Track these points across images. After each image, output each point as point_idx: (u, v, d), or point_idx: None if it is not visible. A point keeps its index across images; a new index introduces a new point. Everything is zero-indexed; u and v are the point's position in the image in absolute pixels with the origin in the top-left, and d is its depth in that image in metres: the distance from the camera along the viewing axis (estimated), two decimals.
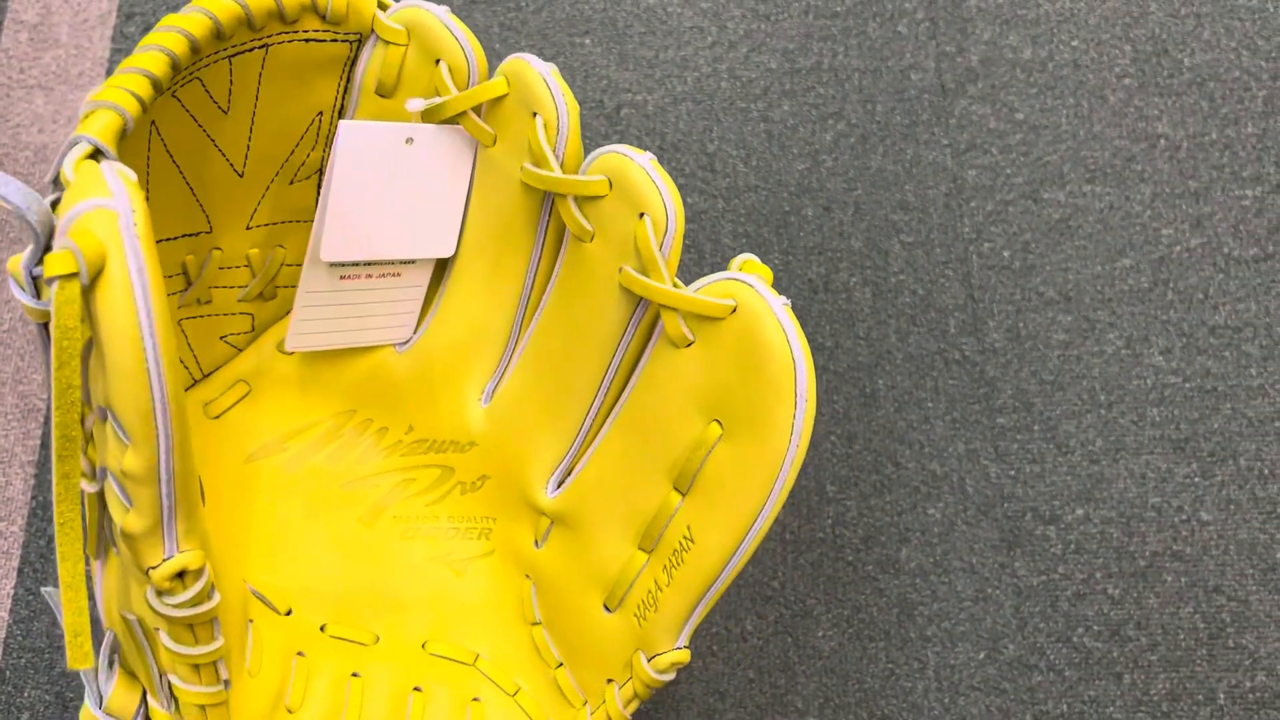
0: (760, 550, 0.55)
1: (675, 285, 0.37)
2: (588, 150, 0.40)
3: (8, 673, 0.52)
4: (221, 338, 0.48)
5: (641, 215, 0.37)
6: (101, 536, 0.34)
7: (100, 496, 0.32)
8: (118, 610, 0.35)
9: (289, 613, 0.44)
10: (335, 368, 0.48)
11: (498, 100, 0.41)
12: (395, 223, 0.44)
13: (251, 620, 0.41)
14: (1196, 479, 0.57)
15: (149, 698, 0.35)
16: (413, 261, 0.46)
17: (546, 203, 0.42)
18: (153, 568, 0.31)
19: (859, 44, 0.67)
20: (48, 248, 0.28)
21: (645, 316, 0.39)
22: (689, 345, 0.37)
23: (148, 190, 0.40)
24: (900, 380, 0.59)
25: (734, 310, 0.36)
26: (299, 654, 0.42)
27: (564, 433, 0.43)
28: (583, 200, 0.39)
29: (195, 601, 0.32)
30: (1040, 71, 0.66)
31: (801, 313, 0.60)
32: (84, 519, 0.32)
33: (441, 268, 0.47)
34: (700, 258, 0.61)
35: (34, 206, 0.27)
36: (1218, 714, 0.53)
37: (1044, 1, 0.68)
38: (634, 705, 0.39)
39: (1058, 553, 0.56)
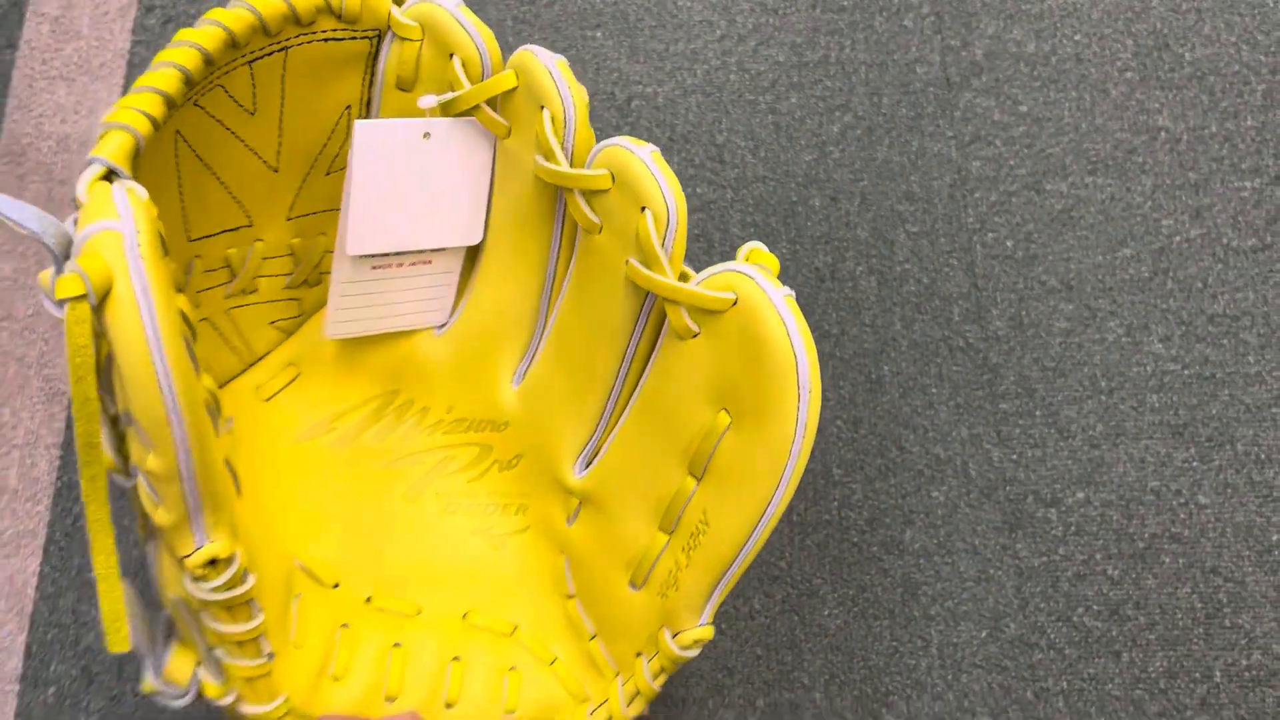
0: None
1: (683, 277, 0.38)
2: (599, 140, 0.41)
3: (34, 648, 0.53)
4: (271, 323, 0.49)
5: (643, 209, 0.37)
6: (148, 524, 0.35)
7: (136, 491, 0.33)
8: (168, 593, 0.36)
9: (336, 586, 0.45)
10: (379, 350, 0.49)
11: (509, 93, 0.41)
12: (419, 214, 0.45)
13: (299, 594, 0.42)
14: (1195, 463, 0.58)
15: (200, 670, 0.37)
16: (443, 248, 0.47)
17: (561, 193, 0.42)
18: (185, 557, 0.33)
19: (866, 38, 0.68)
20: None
21: (655, 308, 0.40)
22: (694, 337, 0.38)
23: (181, 194, 0.41)
24: (905, 366, 0.60)
25: (735, 303, 0.36)
26: (344, 625, 0.43)
27: (588, 416, 0.44)
28: (589, 193, 0.40)
29: (229, 586, 0.34)
30: (1043, 65, 0.67)
31: (808, 301, 0.61)
32: (122, 504, 0.34)
33: (474, 254, 0.48)
34: (709, 246, 0.62)
35: (50, 230, 0.28)
36: (1214, 691, 0.54)
37: None
38: (662, 678, 0.40)
39: (1058, 534, 0.57)
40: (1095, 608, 0.56)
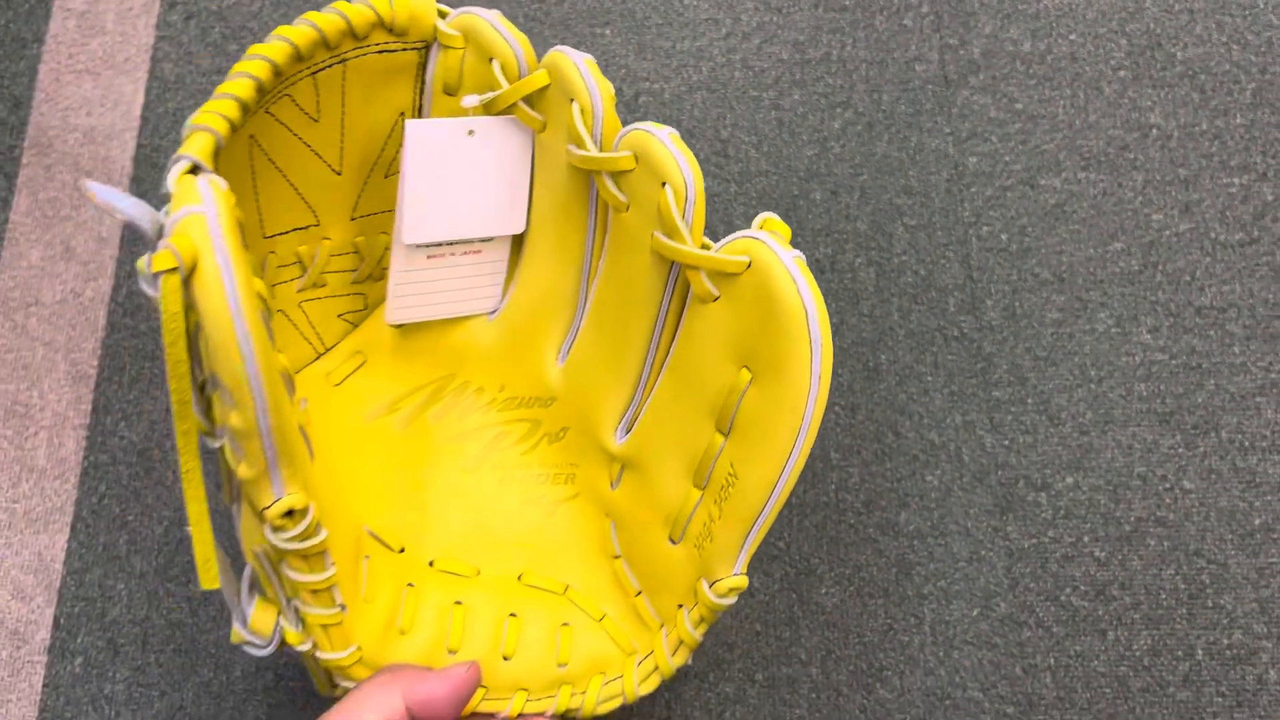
0: None
1: (703, 247, 0.41)
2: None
3: (62, 620, 0.55)
4: (339, 315, 0.52)
5: (664, 185, 0.41)
6: (233, 485, 0.39)
7: (223, 451, 0.37)
8: (250, 547, 0.40)
9: (402, 550, 0.48)
10: (436, 337, 0.53)
11: (542, 90, 0.45)
12: (467, 205, 0.48)
13: (368, 556, 0.45)
14: (1180, 450, 0.60)
15: (281, 620, 0.40)
16: (490, 239, 0.50)
17: (592, 178, 0.46)
18: (265, 508, 0.36)
19: (866, 36, 0.70)
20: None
21: (680, 277, 0.43)
22: (715, 300, 0.41)
23: (256, 193, 0.45)
24: (902, 355, 0.62)
25: (749, 266, 0.39)
26: (409, 585, 0.46)
27: (625, 385, 0.47)
28: (615, 175, 0.43)
29: (304, 536, 0.37)
30: (1039, 64, 0.69)
31: None
32: (211, 466, 0.37)
33: (518, 243, 0.52)
34: (714, 238, 0.64)
35: (145, 217, 0.33)
36: (1196, 669, 0.56)
37: None
38: (703, 627, 0.43)
39: (1048, 518, 0.59)
40: (1082, 588, 0.58)
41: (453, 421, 0.52)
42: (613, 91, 0.43)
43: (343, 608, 0.40)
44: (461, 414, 0.52)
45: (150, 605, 0.56)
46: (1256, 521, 0.59)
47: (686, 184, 0.40)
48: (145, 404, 0.59)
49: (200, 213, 0.32)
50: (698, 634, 0.43)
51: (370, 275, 0.52)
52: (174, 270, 0.31)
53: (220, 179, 0.33)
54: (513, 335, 0.52)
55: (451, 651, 0.45)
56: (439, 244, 0.49)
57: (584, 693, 0.45)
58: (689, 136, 0.67)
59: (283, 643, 0.41)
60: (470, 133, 0.47)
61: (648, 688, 0.45)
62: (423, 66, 0.46)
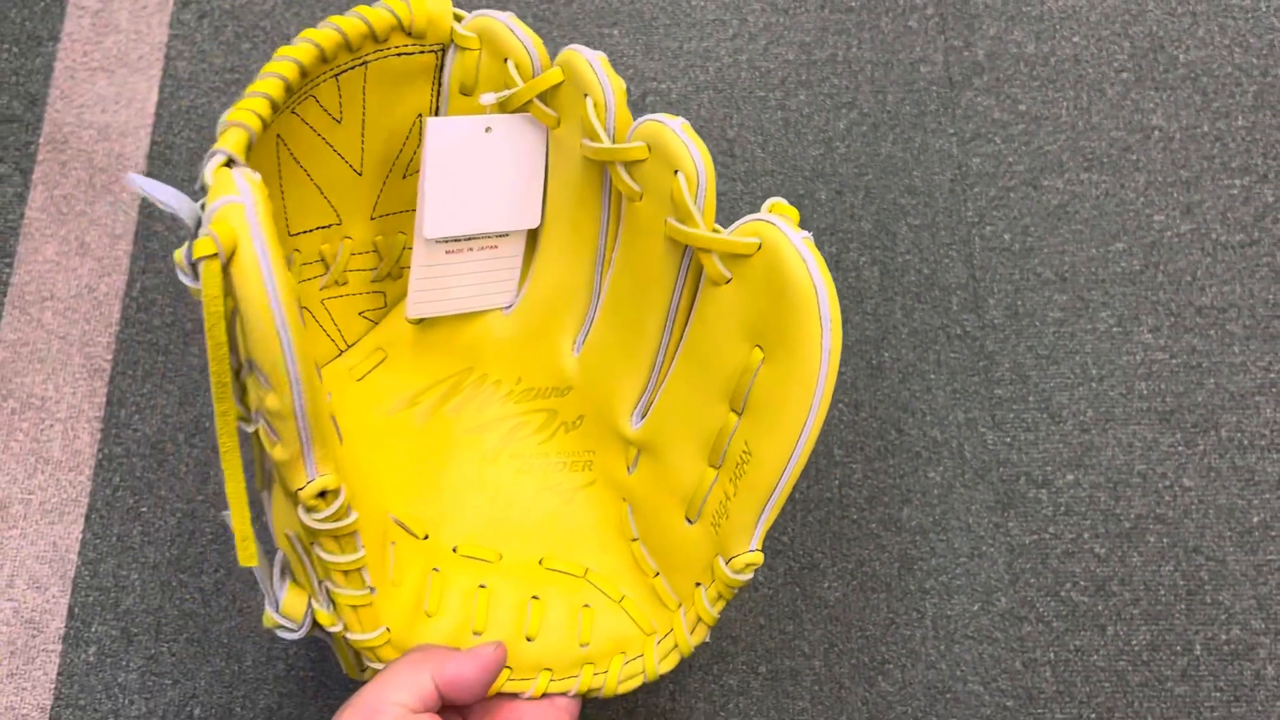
0: None
1: (714, 230, 0.42)
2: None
3: (76, 609, 0.56)
4: (360, 314, 0.54)
5: (676, 172, 0.42)
6: (265, 471, 0.40)
7: (258, 435, 0.38)
8: (282, 531, 0.41)
9: (426, 537, 0.50)
10: (453, 333, 0.54)
11: (556, 87, 0.46)
12: (484, 200, 0.50)
13: (394, 543, 0.47)
14: (1180, 448, 0.61)
15: (313, 602, 0.42)
16: (506, 234, 0.52)
17: (606, 170, 0.47)
18: (300, 489, 0.37)
19: (872, 37, 0.70)
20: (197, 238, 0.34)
21: (692, 262, 0.44)
22: (728, 282, 0.42)
23: (282, 192, 0.46)
24: (905, 353, 0.63)
25: (759, 247, 0.40)
26: (434, 570, 0.47)
27: (641, 371, 0.48)
28: (629, 165, 0.44)
29: (336, 517, 0.38)
30: (1043, 66, 0.70)
31: None
32: (250, 450, 0.39)
33: (533, 238, 0.53)
34: None
35: (185, 207, 0.34)
36: (1194, 664, 0.57)
37: None
38: (720, 605, 0.45)
39: (1049, 514, 0.59)
40: (1082, 584, 0.58)
41: (471, 414, 0.54)
42: (624, 86, 0.45)
43: (372, 590, 0.42)
44: (480, 406, 0.54)
45: (163, 595, 0.57)
46: (1255, 519, 0.60)
47: (698, 171, 0.42)
48: (159, 397, 0.60)
49: (239, 202, 0.33)
50: (715, 611, 0.45)
51: (389, 274, 0.53)
52: (214, 256, 0.32)
53: (255, 173, 0.35)
54: (528, 328, 0.53)
55: (477, 633, 0.46)
56: (457, 239, 0.51)
57: (605, 672, 0.46)
58: None
59: (314, 626, 0.42)
60: (488, 130, 0.48)
61: (667, 666, 0.46)
62: (439, 69, 0.48)
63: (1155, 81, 0.69)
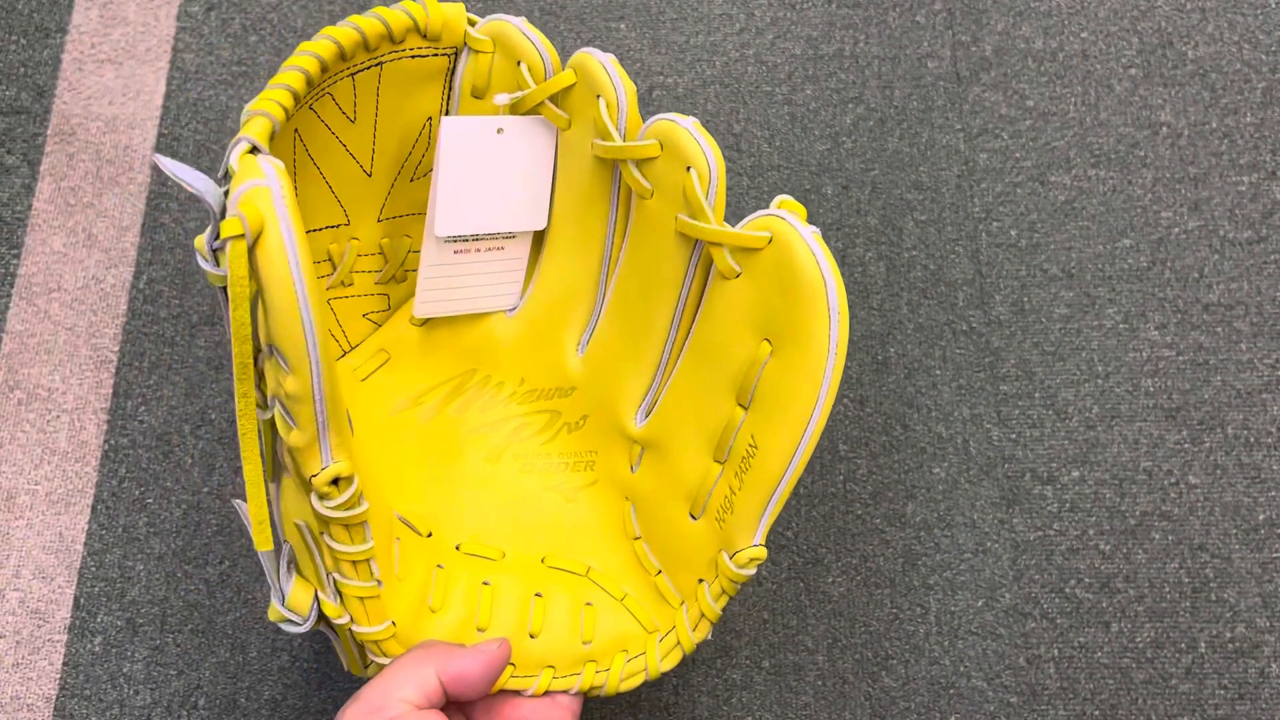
0: None
1: (722, 226, 0.43)
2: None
3: (82, 600, 0.56)
4: (364, 315, 0.54)
5: (688, 169, 0.43)
6: (277, 463, 0.40)
7: (272, 423, 0.38)
8: (292, 521, 0.41)
9: (429, 535, 0.50)
10: (457, 334, 0.55)
11: (568, 89, 0.47)
12: (495, 200, 0.50)
13: (399, 539, 0.47)
14: (1186, 445, 0.61)
15: (319, 594, 0.42)
16: (513, 236, 0.52)
17: (616, 172, 0.48)
18: (314, 475, 0.37)
19: (879, 32, 0.70)
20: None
21: (701, 258, 0.45)
22: (737, 277, 0.43)
23: (296, 187, 0.47)
24: (910, 349, 0.63)
25: (770, 241, 0.41)
26: (439, 566, 0.48)
27: (646, 369, 0.49)
28: (641, 163, 0.45)
29: (348, 505, 0.39)
30: (1050, 61, 0.70)
31: None
32: (260, 441, 0.39)
33: (539, 240, 0.53)
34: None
35: (210, 190, 0.35)
36: (1199, 662, 0.57)
37: None
38: (723, 600, 0.45)
39: (1054, 511, 0.59)
40: (1087, 580, 0.58)
41: (475, 414, 0.54)
42: (635, 89, 0.46)
43: (379, 583, 0.42)
44: (483, 407, 0.54)
45: (168, 586, 0.57)
46: (1261, 517, 0.59)
47: (710, 167, 0.43)
48: (165, 389, 0.60)
49: (266, 185, 0.33)
50: (718, 607, 0.45)
51: (394, 277, 0.54)
52: (241, 237, 0.33)
53: (278, 160, 0.35)
54: (533, 329, 0.53)
55: (480, 629, 0.47)
56: (465, 239, 0.51)
57: (608, 670, 0.47)
58: None
59: (319, 619, 0.42)
60: (500, 130, 0.49)
61: (670, 664, 0.46)
62: (451, 72, 0.48)
63: (1164, 77, 0.69)
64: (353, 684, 0.55)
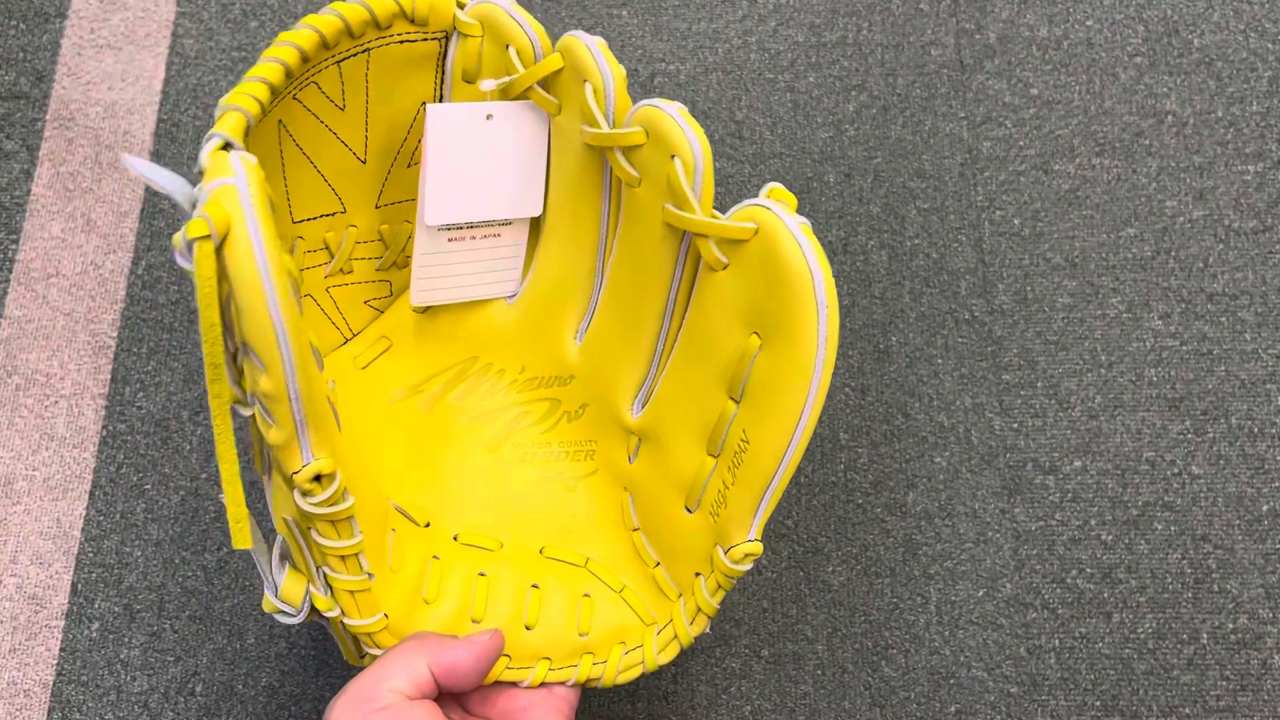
0: None
1: (712, 216, 0.41)
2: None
3: (79, 586, 0.56)
4: (365, 302, 0.54)
5: (673, 157, 0.41)
6: (265, 456, 0.40)
7: (255, 419, 0.38)
8: (281, 515, 0.41)
9: (427, 525, 0.50)
10: (458, 322, 0.54)
11: (557, 74, 0.46)
12: (486, 188, 0.49)
13: (394, 530, 0.47)
14: (1189, 435, 0.61)
15: (310, 588, 0.41)
16: (509, 223, 0.51)
17: (606, 159, 0.47)
18: (295, 473, 0.37)
19: (883, 20, 0.70)
20: None
21: (691, 248, 0.44)
22: (725, 268, 0.42)
23: (285, 178, 0.46)
24: (912, 338, 0.62)
25: (756, 232, 0.40)
26: (435, 557, 0.47)
27: (641, 359, 0.48)
28: (628, 151, 0.44)
29: (332, 501, 0.38)
30: (1055, 49, 0.69)
31: None
32: (244, 437, 0.38)
33: (536, 227, 0.53)
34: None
35: (180, 189, 0.34)
36: (1200, 653, 0.57)
37: None
38: (720, 595, 0.44)
39: (1055, 500, 0.59)
40: (1088, 570, 0.58)
41: (475, 402, 0.54)
42: (624, 72, 0.44)
43: (370, 575, 0.42)
44: (483, 395, 0.54)
45: (166, 572, 0.57)
46: (1264, 508, 0.59)
47: (695, 156, 0.41)
48: (163, 375, 0.60)
49: (232, 184, 0.33)
50: (715, 601, 0.44)
51: (395, 263, 0.53)
52: (207, 238, 0.32)
53: (250, 155, 0.35)
54: (532, 317, 0.53)
55: (475, 621, 0.46)
56: (459, 226, 0.50)
57: (605, 662, 0.46)
58: (704, 118, 0.67)
59: (312, 611, 0.42)
60: (489, 117, 0.48)
61: (667, 657, 0.46)
62: (443, 56, 0.47)
63: (1169, 66, 0.69)
64: (349, 671, 0.55)
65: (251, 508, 0.56)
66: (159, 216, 0.63)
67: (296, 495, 0.38)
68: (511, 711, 0.44)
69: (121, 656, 0.55)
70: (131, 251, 0.63)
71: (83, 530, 0.57)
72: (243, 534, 0.38)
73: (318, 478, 0.37)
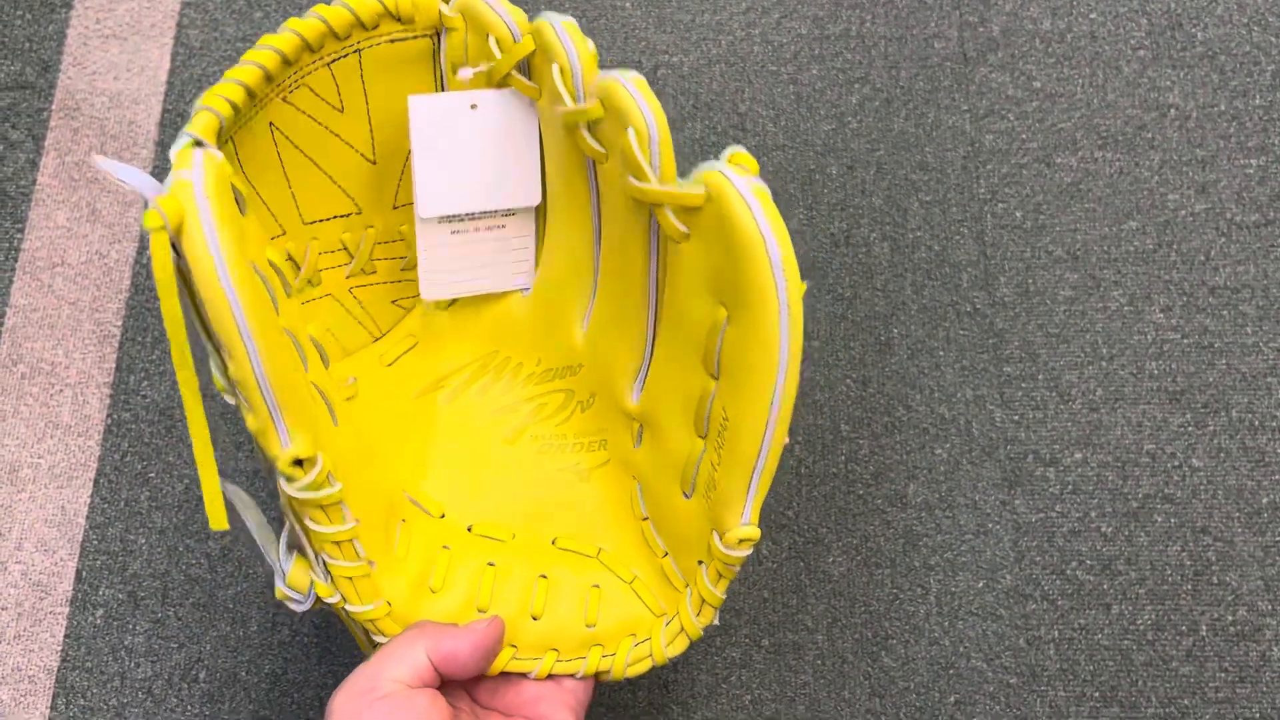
0: (776, 481, 0.59)
1: (670, 185, 0.40)
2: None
3: (84, 573, 0.57)
4: (393, 302, 0.54)
5: (628, 128, 0.40)
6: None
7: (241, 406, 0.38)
8: (282, 504, 0.41)
9: (443, 516, 0.50)
10: (479, 316, 0.54)
11: (533, 56, 0.45)
12: (479, 178, 0.49)
13: (404, 520, 0.47)
14: (1190, 428, 0.61)
15: (312, 575, 0.42)
16: (512, 213, 0.51)
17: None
18: (275, 457, 0.37)
19: (886, 12, 0.70)
20: None
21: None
22: (687, 239, 0.40)
23: (288, 179, 0.47)
24: (914, 330, 0.63)
25: (709, 198, 0.38)
26: (445, 547, 0.47)
27: (636, 342, 0.47)
28: (591, 126, 0.43)
29: (315, 486, 0.38)
30: (1058, 42, 0.69)
31: (823, 265, 0.64)
32: (240, 430, 0.39)
33: (543, 215, 0.52)
34: None
35: (148, 186, 0.35)
36: (1199, 645, 0.57)
37: None
38: (722, 584, 0.44)
39: (1056, 492, 0.59)
40: (1088, 562, 0.58)
41: (495, 396, 0.54)
42: (593, 50, 0.43)
43: (370, 563, 0.42)
44: (504, 389, 0.54)
45: (170, 560, 0.57)
46: (1264, 500, 0.59)
47: (649, 124, 0.39)
48: (167, 364, 0.60)
49: (187, 177, 0.34)
50: (718, 591, 0.44)
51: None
52: (161, 229, 0.33)
53: (217, 151, 0.35)
54: (545, 307, 0.53)
55: (481, 610, 0.46)
56: (460, 218, 0.50)
57: (614, 654, 0.46)
58: (706, 110, 0.67)
59: (318, 598, 0.42)
60: (473, 106, 0.47)
61: (675, 650, 0.45)
62: (437, 53, 0.47)
63: (1172, 59, 0.69)
64: (352, 659, 0.55)
65: (255, 495, 0.57)
66: None
67: (281, 480, 0.38)
68: (520, 704, 0.44)
69: (125, 643, 0.55)
70: (136, 241, 0.63)
71: (87, 518, 0.58)
72: (218, 514, 0.38)
73: (299, 462, 0.38)
